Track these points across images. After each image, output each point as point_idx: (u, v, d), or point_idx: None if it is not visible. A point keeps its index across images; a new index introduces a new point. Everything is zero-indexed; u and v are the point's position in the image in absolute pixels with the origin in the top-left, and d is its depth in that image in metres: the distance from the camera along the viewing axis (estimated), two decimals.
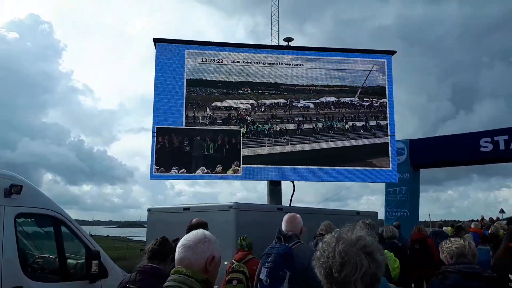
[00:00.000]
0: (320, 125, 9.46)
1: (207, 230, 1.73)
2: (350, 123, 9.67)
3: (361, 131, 9.64)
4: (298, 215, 3.23)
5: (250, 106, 9.11)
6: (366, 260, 1.14)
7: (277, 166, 8.90)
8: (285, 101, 9.38)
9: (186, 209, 5.61)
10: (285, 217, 3.18)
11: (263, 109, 9.22)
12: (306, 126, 9.34)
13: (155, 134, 8.23)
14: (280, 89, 9.36)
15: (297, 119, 9.34)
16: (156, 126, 8.31)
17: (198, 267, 1.56)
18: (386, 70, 9.70)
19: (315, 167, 9.14)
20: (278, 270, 2.75)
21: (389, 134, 9.74)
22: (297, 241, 2.95)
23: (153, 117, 8.36)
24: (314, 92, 9.58)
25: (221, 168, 8.40)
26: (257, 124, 9.00)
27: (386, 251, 5.08)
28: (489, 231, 6.83)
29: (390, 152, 9.61)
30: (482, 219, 14.76)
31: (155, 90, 8.49)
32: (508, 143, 9.57)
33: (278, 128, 9.09)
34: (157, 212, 6.07)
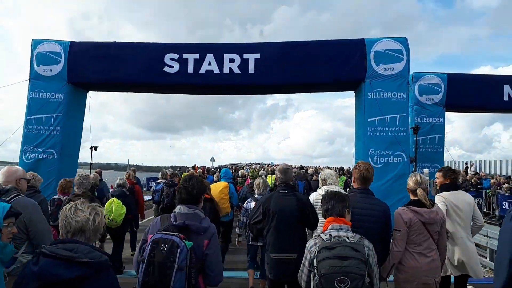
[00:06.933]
0: None
1: None
2: None
3: None
4: (15, 167, 3.10)
5: None
6: None
7: None
8: None
9: None
10: (1, 170, 2.99)
11: None
12: None
13: None
14: None
15: None
16: None
17: None
18: None
19: None
20: None
21: None
22: (16, 194, 2.81)
23: None
24: None
25: None
26: None
27: (115, 198, 5.39)
28: None
29: None
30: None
31: None
32: (200, 63, 7.35)
33: None
34: None
